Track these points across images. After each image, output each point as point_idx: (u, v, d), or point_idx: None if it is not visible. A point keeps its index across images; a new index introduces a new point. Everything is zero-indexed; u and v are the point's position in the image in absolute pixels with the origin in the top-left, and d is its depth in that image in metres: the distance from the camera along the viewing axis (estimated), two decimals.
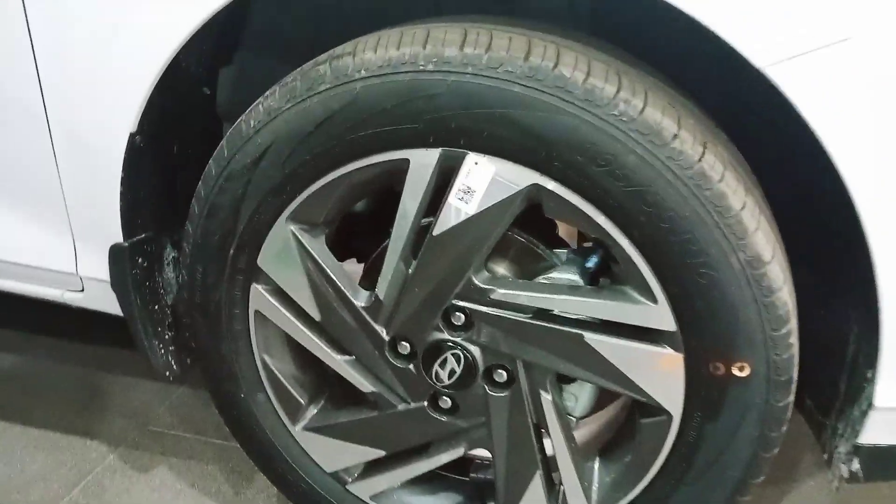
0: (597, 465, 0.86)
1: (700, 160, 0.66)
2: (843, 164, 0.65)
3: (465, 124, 0.71)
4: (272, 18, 0.94)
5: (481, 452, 0.89)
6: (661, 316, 0.72)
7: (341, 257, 0.94)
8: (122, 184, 0.86)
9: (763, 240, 0.68)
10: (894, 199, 0.66)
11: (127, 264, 0.92)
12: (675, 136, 0.66)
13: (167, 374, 0.99)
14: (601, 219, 0.70)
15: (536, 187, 0.71)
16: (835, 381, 0.82)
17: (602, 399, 0.87)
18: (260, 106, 0.78)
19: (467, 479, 0.95)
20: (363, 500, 0.94)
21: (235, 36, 0.95)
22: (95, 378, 1.36)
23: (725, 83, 0.77)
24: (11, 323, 1.14)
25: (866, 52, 0.62)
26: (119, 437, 1.22)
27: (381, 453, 0.90)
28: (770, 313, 0.69)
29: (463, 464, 0.95)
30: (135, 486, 1.13)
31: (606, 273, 0.78)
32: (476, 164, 0.72)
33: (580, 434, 0.89)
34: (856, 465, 0.77)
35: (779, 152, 0.79)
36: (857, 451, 0.76)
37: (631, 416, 0.84)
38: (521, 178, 0.71)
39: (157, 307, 0.97)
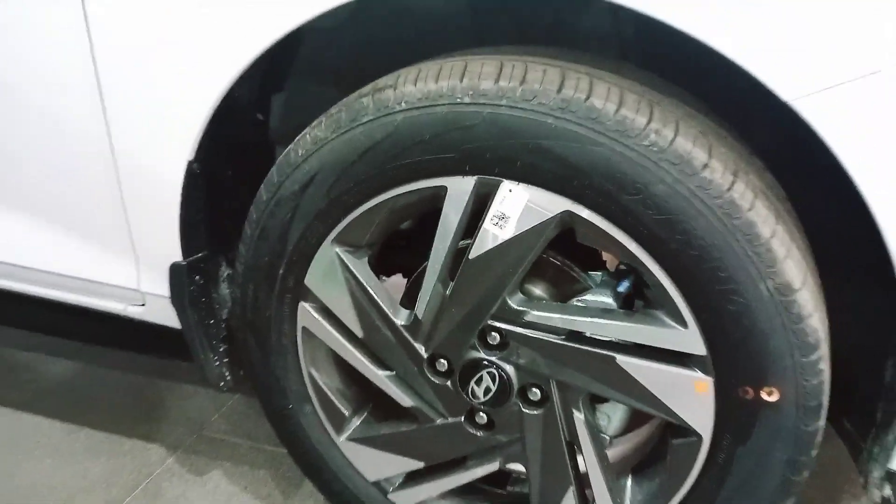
0: (629, 483, 0.88)
1: (730, 189, 0.68)
2: (869, 195, 0.66)
3: (499, 154, 0.74)
4: (321, 50, 0.99)
5: (517, 467, 0.92)
6: (691, 340, 0.74)
7: (388, 272, 0.99)
8: (180, 207, 0.92)
9: (793, 267, 0.69)
10: None
11: (185, 281, 0.98)
12: (706, 165, 0.68)
13: (221, 384, 1.04)
14: (633, 245, 0.73)
15: (569, 214, 0.74)
16: (872, 406, 0.82)
17: (635, 419, 0.89)
18: (307, 135, 0.83)
19: (504, 492, 0.98)
20: None
21: (287, 65, 1.00)
22: (153, 387, 1.43)
23: (758, 113, 0.78)
24: (75, 334, 1.22)
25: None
26: (176, 442, 1.29)
27: (421, 465, 0.94)
28: (799, 339, 0.70)
29: (500, 477, 0.98)
30: (191, 489, 1.19)
31: (640, 297, 0.80)
32: (510, 191, 0.75)
33: (614, 452, 0.91)
34: (888, 491, 0.77)
35: (811, 180, 0.80)
36: (890, 477, 0.76)
37: (663, 437, 0.85)
38: (553, 205, 0.74)
39: (212, 321, 1.03)
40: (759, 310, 0.70)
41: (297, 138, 0.84)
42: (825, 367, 0.72)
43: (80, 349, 1.49)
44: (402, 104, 0.76)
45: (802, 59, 0.64)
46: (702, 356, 0.74)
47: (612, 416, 0.87)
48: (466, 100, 0.73)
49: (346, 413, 0.96)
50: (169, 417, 1.35)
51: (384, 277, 0.97)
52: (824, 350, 0.72)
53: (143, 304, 1.03)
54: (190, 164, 0.88)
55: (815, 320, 0.70)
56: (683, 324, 0.73)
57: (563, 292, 0.85)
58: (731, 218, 0.68)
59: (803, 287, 0.70)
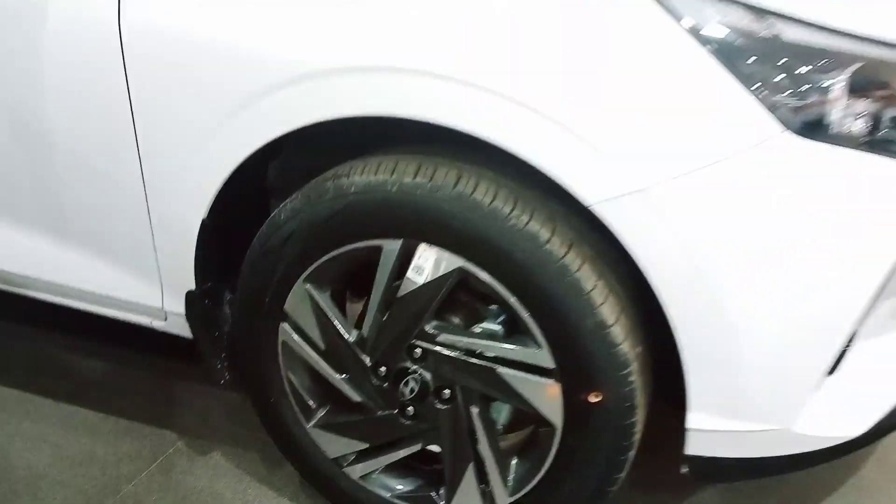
0: (515, 461, 1.20)
1: (563, 258, 1.00)
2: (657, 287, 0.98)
3: (416, 226, 1.07)
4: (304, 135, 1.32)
5: (435, 448, 1.24)
6: (544, 358, 1.06)
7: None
8: (196, 249, 1.25)
9: (608, 310, 1.01)
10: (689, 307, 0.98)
11: (197, 304, 1.31)
12: (548, 240, 1.01)
13: (221, 381, 1.38)
14: (504, 292, 1.05)
15: (463, 268, 1.07)
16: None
17: (522, 414, 1.21)
18: (288, 205, 1.16)
19: (429, 468, 1.30)
20: (354, 480, 1.30)
21: (280, 145, 1.33)
22: (171, 385, 1.77)
23: None
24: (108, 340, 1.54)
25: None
26: (186, 429, 1.61)
27: (366, 445, 1.27)
28: (614, 360, 1.03)
29: (429, 457, 1.30)
30: (195, 465, 1.52)
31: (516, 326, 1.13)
32: (425, 250, 1.08)
33: (509, 440, 1.23)
34: (685, 469, 1.10)
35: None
36: (684, 458, 1.09)
37: (534, 428, 1.18)
38: (453, 261, 1.07)
39: (216, 334, 1.36)
40: (585, 338, 1.02)
41: (281, 206, 1.18)
42: (634, 378, 1.04)
43: (113, 352, 1.84)
44: (353, 188, 1.09)
45: (598, 169, 0.95)
46: (551, 369, 1.06)
47: (502, 410, 1.20)
48: (394, 189, 1.07)
49: (314, 406, 1.28)
50: (181, 409, 1.68)
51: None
52: (634, 367, 1.04)
53: (165, 320, 1.37)
54: (203, 221, 1.21)
55: (626, 346, 1.03)
56: (539, 346, 1.06)
57: (472, 319, 1.18)
58: (565, 276, 1.01)
59: (616, 323, 1.02)
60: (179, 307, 1.33)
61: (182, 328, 1.36)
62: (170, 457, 1.54)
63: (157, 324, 1.39)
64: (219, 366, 1.37)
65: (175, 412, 1.67)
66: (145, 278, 1.33)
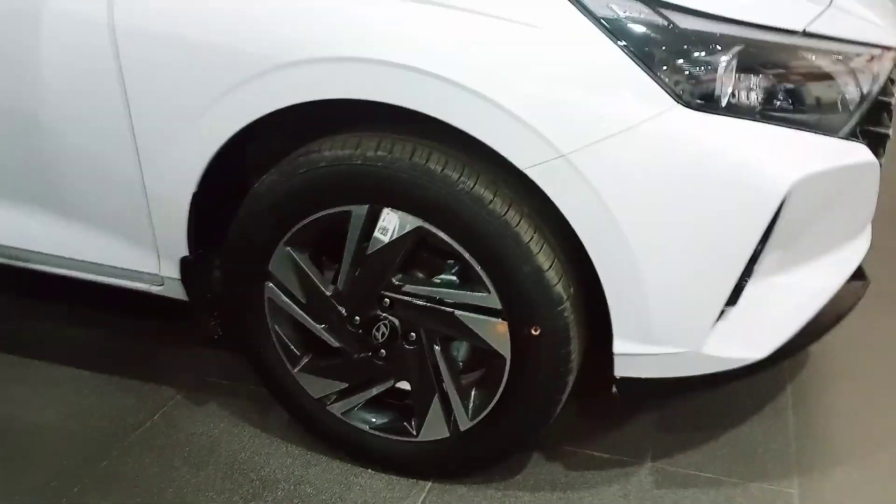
0: (474, 391, 1.40)
1: (504, 215, 1.19)
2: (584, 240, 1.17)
3: (380, 193, 1.25)
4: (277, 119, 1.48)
5: (405, 385, 1.44)
6: (493, 300, 1.26)
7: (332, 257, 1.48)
8: (188, 220, 1.42)
9: (543, 257, 1.21)
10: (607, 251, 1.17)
11: (191, 269, 1.49)
12: (491, 201, 1.20)
13: (215, 336, 1.56)
14: (458, 246, 1.24)
15: (422, 227, 1.25)
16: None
17: (477, 350, 1.41)
18: (267, 178, 1.33)
19: (401, 402, 1.50)
20: (337, 416, 1.50)
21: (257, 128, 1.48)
22: (166, 346, 1.94)
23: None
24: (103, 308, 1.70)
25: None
26: (183, 383, 1.79)
27: (346, 385, 1.46)
28: (550, 298, 1.22)
29: (401, 393, 1.50)
30: (194, 414, 1.70)
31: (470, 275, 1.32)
32: (388, 214, 1.26)
33: (471, 375, 1.43)
34: (614, 389, 1.30)
35: None
36: (613, 379, 1.29)
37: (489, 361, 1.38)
38: (413, 222, 1.25)
39: (209, 295, 1.54)
40: (525, 282, 1.22)
41: (262, 178, 1.35)
42: (569, 314, 1.24)
43: (110, 319, 2.00)
44: (323, 162, 1.27)
45: (527, 140, 1.13)
46: (499, 309, 1.26)
47: (461, 349, 1.40)
48: (359, 161, 1.24)
49: (298, 353, 1.47)
50: (178, 367, 1.86)
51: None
52: (567, 304, 1.24)
53: (162, 285, 1.54)
54: (194, 194, 1.38)
55: (560, 287, 1.22)
56: (488, 291, 1.25)
57: (429, 272, 1.36)
58: (506, 229, 1.20)
59: (550, 268, 1.21)
60: (175, 273, 1.50)
61: (177, 292, 1.54)
62: (170, 408, 1.72)
63: (155, 289, 1.56)
64: (212, 323, 1.55)
65: (171, 369, 1.85)
66: (143, 248, 1.50)
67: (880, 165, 1.38)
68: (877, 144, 1.35)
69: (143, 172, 1.39)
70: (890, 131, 1.39)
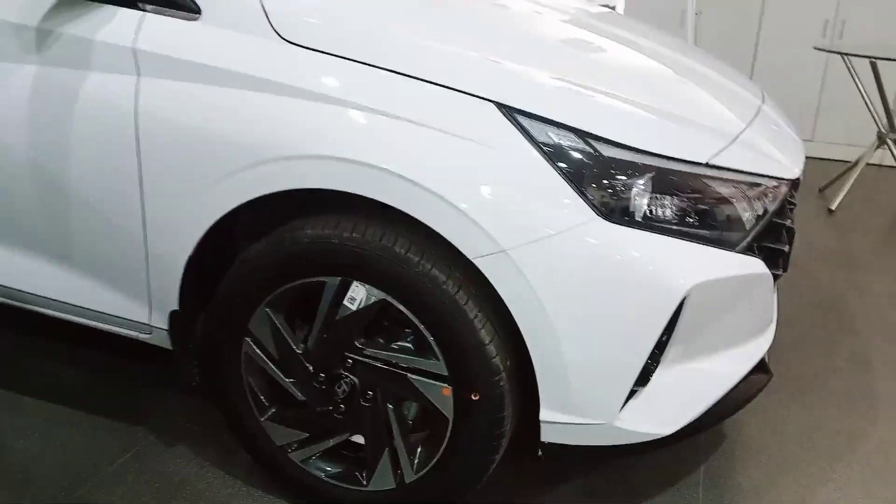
0: (419, 447, 1.59)
1: (455, 294, 1.41)
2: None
3: (351, 268, 1.46)
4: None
5: (359, 439, 1.62)
6: (440, 368, 1.46)
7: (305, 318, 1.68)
8: (181, 279, 1.62)
9: (485, 333, 1.42)
10: (535, 331, 1.40)
11: (178, 322, 1.68)
12: (444, 282, 1.42)
13: (193, 383, 1.73)
14: (414, 318, 1.45)
15: (385, 300, 1.47)
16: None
17: (424, 410, 1.60)
18: (255, 247, 1.55)
19: (354, 455, 1.67)
20: (297, 463, 1.67)
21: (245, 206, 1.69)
22: (140, 388, 2.10)
23: None
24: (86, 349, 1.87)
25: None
26: (158, 424, 1.95)
27: (307, 435, 1.64)
28: (489, 369, 1.43)
29: (355, 446, 1.68)
30: (164, 454, 1.85)
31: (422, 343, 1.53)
32: (357, 286, 1.48)
33: (417, 433, 1.62)
34: (540, 452, 1.50)
35: None
36: (540, 444, 1.49)
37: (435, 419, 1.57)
38: (378, 294, 1.47)
39: (191, 346, 1.72)
40: (469, 354, 1.43)
41: (250, 248, 1.56)
42: (505, 382, 1.45)
43: (90, 359, 2.16)
44: (305, 239, 1.48)
45: (475, 236, 1.36)
46: (445, 375, 1.46)
47: (411, 408, 1.59)
48: (336, 241, 1.46)
49: (266, 403, 1.65)
50: (151, 409, 2.02)
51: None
52: (503, 374, 1.44)
53: (150, 333, 1.73)
54: (189, 258, 1.59)
55: (498, 359, 1.43)
56: (437, 359, 1.46)
57: (387, 338, 1.56)
58: (456, 307, 1.41)
59: (491, 343, 1.42)
60: (163, 323, 1.69)
61: (163, 341, 1.72)
62: (142, 447, 1.88)
63: (143, 336, 1.74)
64: (191, 371, 1.73)
65: (147, 411, 2.01)
66: (137, 299, 1.69)
67: (778, 276, 1.64)
68: (774, 258, 1.61)
69: (146, 234, 1.59)
70: (787, 248, 1.65)
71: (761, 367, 1.72)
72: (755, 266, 1.50)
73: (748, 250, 1.50)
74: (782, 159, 1.64)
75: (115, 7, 1.54)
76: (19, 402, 2.00)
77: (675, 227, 1.40)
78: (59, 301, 1.77)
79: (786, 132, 1.83)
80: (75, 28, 1.55)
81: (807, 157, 5.31)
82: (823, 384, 2.33)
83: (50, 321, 1.85)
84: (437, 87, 1.40)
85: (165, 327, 1.69)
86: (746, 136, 1.60)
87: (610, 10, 2.54)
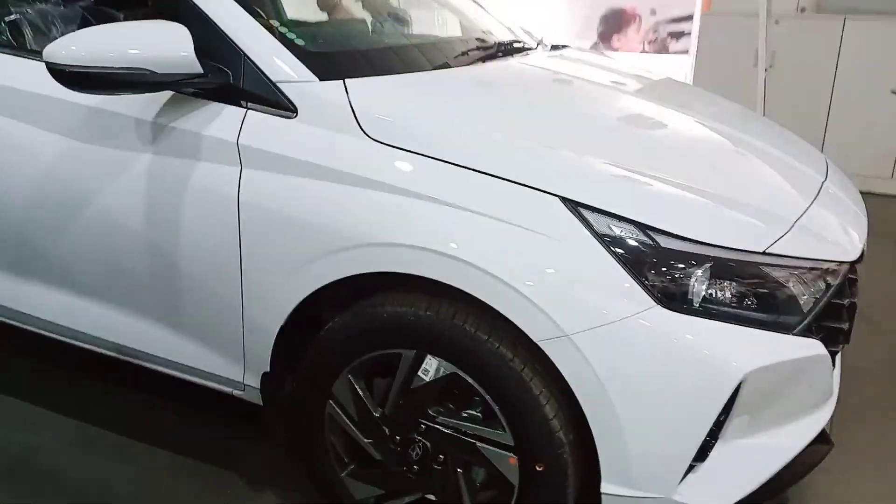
0: None
1: (521, 371, 1.52)
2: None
3: (426, 343, 1.59)
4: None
5: (432, 497, 1.74)
6: (507, 438, 1.57)
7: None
8: (273, 345, 1.79)
9: (549, 408, 1.52)
10: (597, 410, 1.49)
11: (268, 381, 1.85)
12: (511, 359, 1.53)
13: (278, 438, 1.89)
14: (483, 391, 1.56)
15: (456, 373, 1.59)
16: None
17: (493, 477, 1.71)
18: (340, 320, 1.70)
19: None
20: None
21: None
22: (231, 440, 2.28)
23: None
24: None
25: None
26: (242, 474, 2.12)
27: (382, 492, 1.77)
28: (554, 442, 1.53)
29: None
30: (257, 501, 2.02)
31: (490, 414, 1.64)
32: (430, 359, 1.61)
33: (484, 495, 1.73)
34: None
35: None
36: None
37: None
38: (450, 368, 1.59)
39: (279, 404, 1.89)
40: (534, 427, 1.53)
41: (335, 320, 1.72)
42: (568, 456, 1.54)
43: (187, 411, 2.35)
44: (385, 314, 1.63)
45: (540, 320, 1.48)
46: (511, 446, 1.57)
47: (479, 472, 1.70)
48: (412, 318, 1.60)
49: (346, 460, 1.80)
50: (239, 459, 2.20)
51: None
52: (566, 447, 1.54)
53: (244, 391, 1.90)
54: (281, 327, 1.76)
55: (561, 433, 1.53)
56: (504, 430, 1.57)
57: (458, 407, 1.68)
58: (522, 384, 1.52)
59: (555, 417, 1.53)
60: (255, 382, 1.86)
61: (255, 398, 1.89)
62: (233, 493, 2.05)
63: (237, 393, 1.92)
64: (278, 427, 1.89)
65: (236, 460, 2.18)
66: (233, 360, 1.87)
67: (837, 353, 1.68)
68: (834, 335, 1.65)
69: (244, 305, 1.77)
70: (846, 325, 1.69)
71: (822, 438, 1.76)
72: (813, 348, 1.55)
73: (807, 332, 1.55)
74: (843, 241, 1.68)
75: (222, 104, 1.74)
76: (125, 447, 2.21)
77: (732, 313, 1.48)
78: (166, 359, 1.97)
79: (849, 208, 1.87)
80: (186, 123, 1.75)
81: (885, 196, 5.15)
82: (893, 452, 2.31)
83: (153, 375, 2.06)
84: (505, 181, 1.53)
85: (257, 386, 1.86)
86: (806, 219, 1.65)
87: (670, 78, 2.62)
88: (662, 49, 10.02)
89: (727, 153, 1.87)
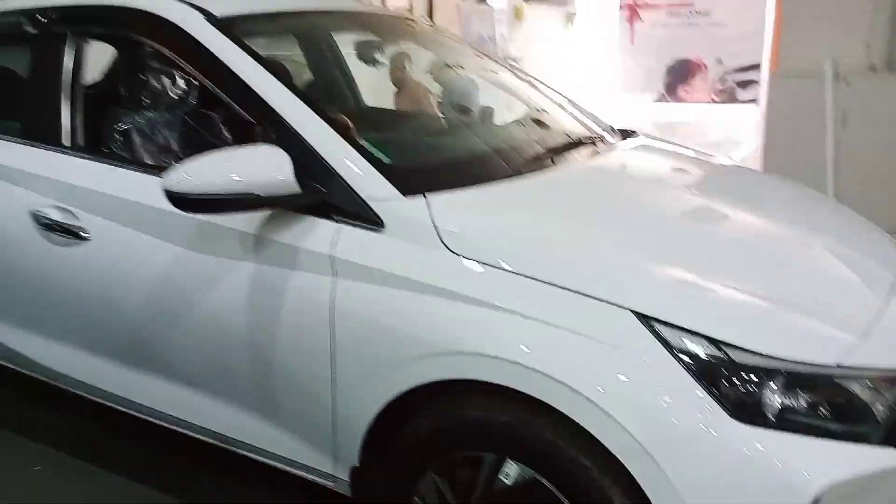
0: None
1: (598, 479, 1.59)
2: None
3: (506, 448, 1.68)
4: None
5: None
6: None
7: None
8: (362, 439, 1.92)
9: (609, 481, 1.58)
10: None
11: (357, 475, 1.97)
12: (589, 468, 1.60)
13: None
14: (562, 496, 1.63)
15: (535, 478, 1.66)
16: None
17: None
18: (423, 420, 1.81)
19: None
20: None
21: None
22: None
23: None
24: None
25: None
26: None
27: None
28: None
29: None
30: None
31: None
32: (511, 463, 1.70)
33: None
34: None
35: None
36: None
37: None
38: (529, 472, 1.67)
39: (368, 496, 2.00)
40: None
41: (420, 419, 1.82)
42: None
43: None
44: (468, 418, 1.73)
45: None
46: None
47: None
48: (494, 426, 1.70)
49: None
50: None
51: None
52: None
53: (334, 482, 2.03)
54: (369, 423, 1.88)
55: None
56: None
57: None
58: (600, 490, 1.59)
59: (614, 485, 1.58)
60: (345, 475, 1.98)
61: (345, 490, 2.01)
62: None
63: (329, 484, 2.04)
64: None
65: None
66: (324, 453, 2.00)
67: None
68: None
69: (335, 401, 1.91)
70: None
71: None
72: (892, 458, 1.57)
73: (885, 441, 1.57)
74: None
75: (316, 218, 1.91)
76: None
77: (805, 424, 1.51)
78: (260, 448, 2.12)
79: None
80: (284, 236, 1.93)
81: None
82: None
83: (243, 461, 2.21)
84: (580, 295, 1.62)
85: (347, 479, 1.98)
86: (878, 325, 1.68)
87: (737, 165, 2.67)
88: (731, 99, 9.95)
89: (798, 253, 1.92)
